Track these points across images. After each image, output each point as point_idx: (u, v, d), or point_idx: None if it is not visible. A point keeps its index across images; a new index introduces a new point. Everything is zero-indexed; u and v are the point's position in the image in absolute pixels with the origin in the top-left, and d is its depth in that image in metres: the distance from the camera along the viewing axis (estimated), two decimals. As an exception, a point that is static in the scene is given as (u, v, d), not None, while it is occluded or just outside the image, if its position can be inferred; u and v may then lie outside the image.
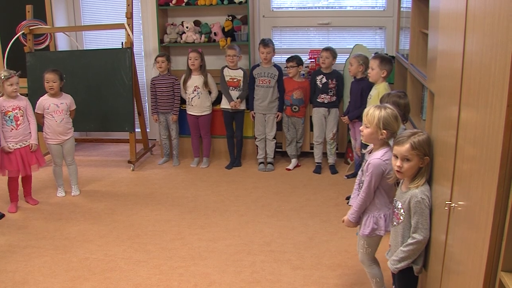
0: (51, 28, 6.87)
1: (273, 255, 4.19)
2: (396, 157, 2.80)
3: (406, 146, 2.75)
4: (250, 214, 5.06)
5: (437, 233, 2.63)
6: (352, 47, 6.16)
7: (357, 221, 3.31)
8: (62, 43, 7.41)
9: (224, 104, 6.35)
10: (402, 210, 2.82)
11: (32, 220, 5.09)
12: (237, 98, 6.24)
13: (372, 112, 3.09)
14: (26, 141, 5.25)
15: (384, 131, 3.03)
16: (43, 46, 6.90)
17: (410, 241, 2.80)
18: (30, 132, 5.28)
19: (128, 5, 6.29)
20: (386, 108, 3.10)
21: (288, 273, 3.91)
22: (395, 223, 2.93)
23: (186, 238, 4.58)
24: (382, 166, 3.02)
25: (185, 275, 3.93)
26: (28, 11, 6.65)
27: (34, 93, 6.08)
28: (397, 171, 2.82)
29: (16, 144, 5.17)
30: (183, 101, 6.52)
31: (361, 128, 3.22)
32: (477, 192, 1.95)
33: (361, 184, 3.27)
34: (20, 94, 5.29)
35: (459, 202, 2.19)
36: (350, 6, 6.65)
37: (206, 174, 6.30)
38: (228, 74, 6.28)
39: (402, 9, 5.75)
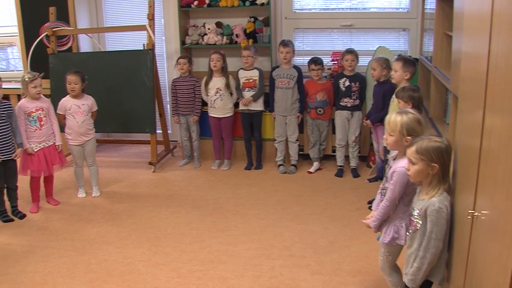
0: (73, 30, 6.92)
1: (293, 260, 4.14)
2: None
3: (412, 148, 2.72)
4: (270, 217, 5.02)
5: (460, 244, 2.55)
6: (375, 49, 6.09)
7: (379, 229, 3.25)
8: (85, 44, 7.45)
9: (242, 106, 6.33)
10: (419, 218, 2.75)
11: (52, 221, 5.12)
12: (254, 100, 6.22)
13: (394, 119, 3.02)
14: (49, 141, 5.29)
15: (409, 137, 2.96)
16: (65, 47, 6.94)
17: (420, 253, 2.73)
18: (52, 133, 5.33)
19: (150, 7, 6.29)
20: (407, 113, 3.03)
21: (307, 278, 3.86)
22: (410, 230, 2.86)
23: (205, 241, 4.55)
24: (407, 175, 2.93)
25: (203, 279, 3.90)
26: (52, 13, 6.70)
27: (56, 94, 6.11)
28: (407, 173, 2.80)
29: (40, 144, 5.22)
30: (204, 103, 6.51)
31: (385, 136, 3.16)
32: (502, 201, 1.88)
33: (384, 191, 3.21)
34: (43, 95, 5.33)
35: (483, 211, 2.12)
36: (374, 8, 6.57)
37: (227, 176, 6.27)
38: (244, 75, 6.26)
39: (426, 10, 5.66)
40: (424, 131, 3.04)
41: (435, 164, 2.67)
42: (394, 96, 4.79)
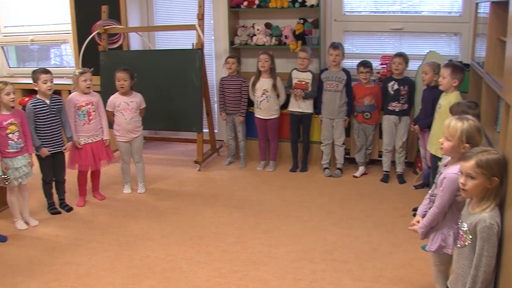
0: (124, 28, 7.03)
1: (334, 264, 4.10)
2: (462, 173, 2.65)
3: (471, 162, 2.59)
4: (314, 220, 4.98)
5: (509, 263, 2.45)
6: (425, 53, 5.98)
7: (426, 236, 3.18)
8: (135, 42, 7.56)
9: (292, 107, 6.30)
10: (468, 233, 2.64)
11: (98, 215, 5.21)
12: (304, 96, 6.19)
13: (454, 124, 2.93)
14: (97, 136, 5.40)
15: (467, 144, 2.88)
16: (116, 45, 7.07)
17: (472, 272, 2.59)
18: (101, 128, 5.44)
19: (200, 7, 6.34)
20: (468, 119, 2.93)
21: (348, 284, 3.82)
22: (459, 244, 2.74)
23: (247, 242, 4.56)
24: (457, 182, 2.81)
25: (244, 279, 3.91)
26: (104, 12, 6.83)
27: (106, 91, 6.21)
28: (461, 189, 2.67)
29: (88, 138, 5.33)
30: (251, 103, 6.52)
31: (440, 140, 3.07)
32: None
33: (433, 197, 3.14)
34: (93, 91, 5.43)
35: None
36: (425, 11, 6.44)
37: (272, 177, 6.26)
38: (297, 76, 6.23)
39: (479, 15, 5.52)
40: (482, 140, 2.95)
41: (496, 178, 2.57)
42: (440, 102, 4.71)
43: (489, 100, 4.41)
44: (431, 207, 3.16)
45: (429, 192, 3.29)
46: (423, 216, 3.22)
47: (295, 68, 6.26)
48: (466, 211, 2.74)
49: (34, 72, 4.99)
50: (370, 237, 4.59)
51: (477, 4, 5.61)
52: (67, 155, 5.29)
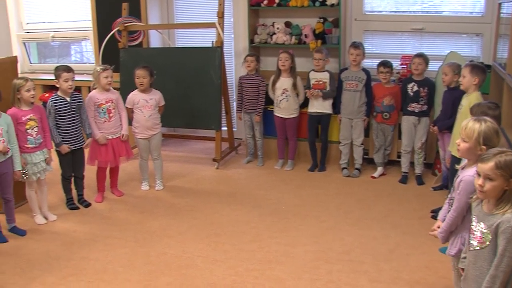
0: (144, 26, 7.07)
1: (351, 265, 4.08)
2: (479, 175, 2.61)
3: (490, 164, 2.54)
4: (331, 220, 4.96)
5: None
6: (445, 54, 5.92)
7: (446, 240, 3.15)
8: (155, 40, 7.58)
9: (311, 108, 6.28)
10: (488, 234, 2.62)
11: (116, 211, 5.25)
12: (322, 96, 6.16)
13: (472, 125, 2.89)
14: (117, 133, 5.44)
15: (484, 146, 2.84)
16: (136, 42, 7.09)
17: (491, 272, 2.57)
18: (120, 124, 5.47)
19: (220, 5, 6.34)
20: (486, 121, 2.89)
21: (364, 285, 3.79)
22: (477, 246, 2.68)
23: (264, 240, 4.55)
24: (474, 185, 2.76)
25: (260, 278, 3.90)
26: (124, 9, 6.86)
27: (125, 88, 6.25)
28: (478, 190, 2.64)
29: (108, 135, 5.36)
30: (270, 102, 6.50)
31: (457, 141, 3.03)
32: None
33: (451, 201, 3.11)
34: (112, 88, 5.46)
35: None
36: (446, 11, 6.38)
37: (289, 176, 6.25)
38: (314, 77, 6.20)
39: (501, 15, 5.46)
40: (499, 142, 2.91)
41: None
42: (462, 103, 4.67)
43: (510, 101, 4.37)
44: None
45: (448, 196, 3.26)
46: (443, 221, 3.19)
47: (313, 69, 6.24)
48: (481, 211, 2.68)
49: (56, 68, 5.03)
50: (387, 238, 4.56)
51: (500, 4, 5.54)
52: (86, 151, 5.33)
